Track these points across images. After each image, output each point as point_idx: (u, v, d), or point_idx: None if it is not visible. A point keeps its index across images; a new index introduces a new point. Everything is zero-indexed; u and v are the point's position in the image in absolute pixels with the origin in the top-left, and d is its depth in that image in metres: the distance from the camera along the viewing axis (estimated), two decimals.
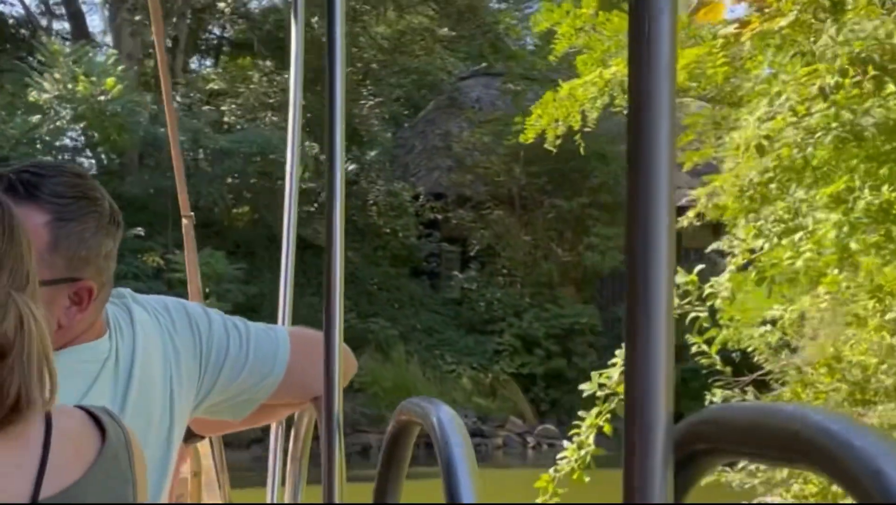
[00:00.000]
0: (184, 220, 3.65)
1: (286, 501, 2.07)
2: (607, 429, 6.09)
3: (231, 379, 1.74)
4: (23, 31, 22.62)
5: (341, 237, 1.39)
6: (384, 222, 20.25)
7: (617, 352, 6.54)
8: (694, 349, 9.80)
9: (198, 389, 1.72)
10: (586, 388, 6.17)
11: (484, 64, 24.85)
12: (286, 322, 2.34)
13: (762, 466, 9.69)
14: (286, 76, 19.67)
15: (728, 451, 0.73)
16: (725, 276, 7.18)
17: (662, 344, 0.60)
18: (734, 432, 0.69)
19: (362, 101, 20.89)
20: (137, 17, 18.81)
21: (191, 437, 1.90)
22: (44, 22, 23.35)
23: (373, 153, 20.84)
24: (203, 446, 2.75)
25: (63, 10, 23.46)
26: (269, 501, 2.33)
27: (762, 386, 8.93)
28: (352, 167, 20.78)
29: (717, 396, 10.26)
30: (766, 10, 6.24)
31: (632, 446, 0.62)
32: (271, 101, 19.02)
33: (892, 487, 0.55)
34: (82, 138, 19.19)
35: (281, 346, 1.78)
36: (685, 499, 0.73)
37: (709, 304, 8.99)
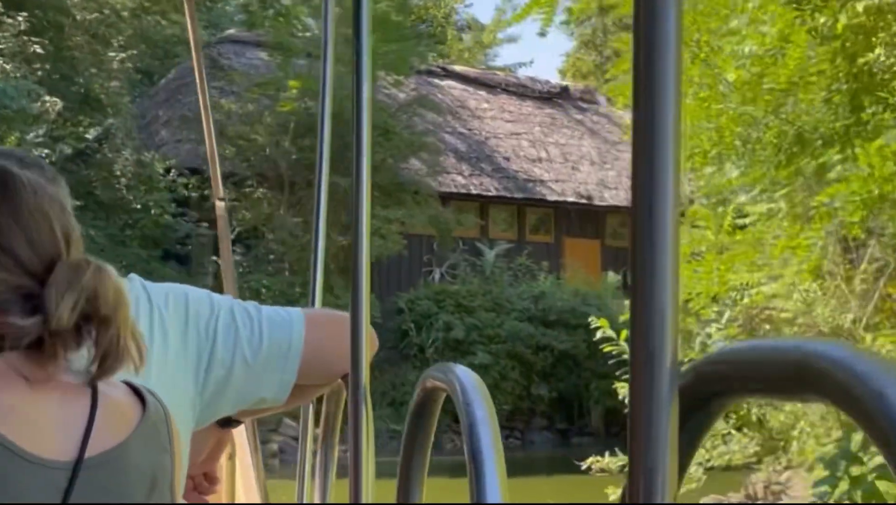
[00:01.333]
0: (217, 203, 3.61)
1: (317, 478, 2.15)
2: None
3: (248, 362, 1.76)
4: None
5: (367, 219, 1.51)
6: (133, 197, 18.02)
7: None
8: (599, 334, 8.57)
9: (196, 375, 1.72)
10: None
11: (231, 30, 23.09)
12: (317, 306, 2.39)
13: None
14: (19, 18, 17.32)
15: (737, 390, 0.73)
16: None
17: (668, 287, 0.61)
18: (741, 371, 0.70)
19: (113, 56, 18.58)
20: None
21: (229, 422, 1.94)
22: None
23: (115, 120, 18.55)
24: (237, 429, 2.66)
25: None
26: (299, 481, 2.37)
27: None
28: (91, 133, 18.41)
29: (625, 390, 9.06)
30: None
31: (635, 396, 0.62)
32: (1, 46, 16.44)
33: (893, 407, 0.57)
34: None
35: (295, 324, 1.81)
36: (699, 442, 0.74)
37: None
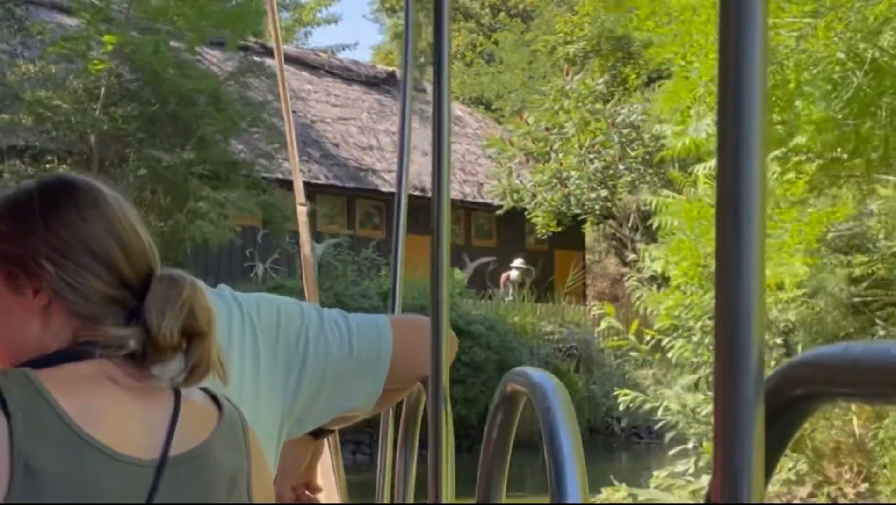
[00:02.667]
0: (299, 209, 3.64)
1: (397, 480, 2.20)
2: None
3: (339, 372, 1.80)
4: None
5: (447, 222, 1.52)
6: None
7: None
8: (603, 324, 6.86)
9: (286, 388, 1.76)
10: None
11: None
12: (396, 312, 2.39)
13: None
14: None
15: (827, 393, 0.74)
16: None
17: (754, 286, 0.62)
18: (829, 374, 0.71)
19: None
20: None
21: (319, 433, 1.99)
22: None
23: None
24: None
25: None
26: (379, 483, 2.41)
27: None
28: None
29: (626, 397, 7.46)
30: None
31: (721, 395, 0.63)
32: None
33: None
34: None
35: (383, 332, 1.85)
36: (786, 445, 0.75)
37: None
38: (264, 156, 17.80)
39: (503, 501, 1.55)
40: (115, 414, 1.25)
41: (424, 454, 1.55)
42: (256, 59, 24.25)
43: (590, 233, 28.64)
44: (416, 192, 25.08)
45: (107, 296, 1.30)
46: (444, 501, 1.47)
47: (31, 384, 1.22)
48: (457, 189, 25.73)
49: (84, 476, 1.19)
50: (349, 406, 1.84)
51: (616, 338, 6.55)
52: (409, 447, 2.16)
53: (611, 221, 26.46)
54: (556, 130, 24.75)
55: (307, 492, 2.06)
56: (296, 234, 22.85)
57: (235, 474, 1.32)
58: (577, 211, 24.24)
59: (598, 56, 28.32)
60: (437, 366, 1.46)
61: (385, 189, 24.08)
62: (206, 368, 1.31)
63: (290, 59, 26.73)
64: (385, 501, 2.39)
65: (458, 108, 29.86)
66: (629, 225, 26.39)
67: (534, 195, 24.47)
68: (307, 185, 22.43)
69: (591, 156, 24.21)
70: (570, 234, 25.41)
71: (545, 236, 24.91)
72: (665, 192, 8.37)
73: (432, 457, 1.47)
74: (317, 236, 22.24)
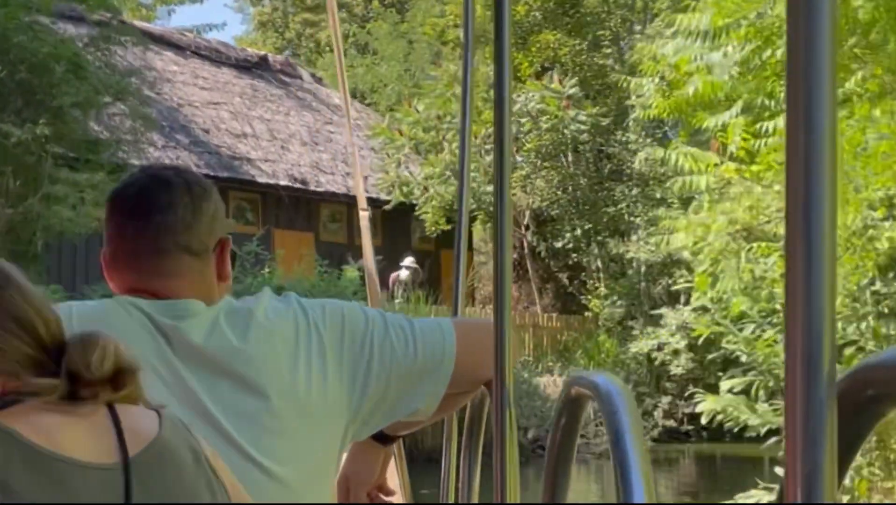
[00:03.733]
0: (361, 213, 3.72)
1: (461, 483, 2.27)
2: None
3: (403, 375, 1.86)
4: None
5: (509, 226, 1.50)
6: None
7: None
8: (695, 301, 5.16)
9: (352, 391, 1.82)
10: None
11: None
12: (459, 314, 2.48)
13: None
14: None
15: None
16: None
17: (825, 286, 0.61)
18: None
19: None
20: None
21: (387, 440, 2.09)
22: None
23: None
24: None
25: None
26: (443, 486, 2.47)
27: None
28: None
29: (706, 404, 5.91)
30: None
31: (793, 396, 0.62)
32: None
33: None
34: None
35: (447, 336, 1.91)
36: (859, 447, 0.74)
37: None
38: (130, 133, 15.80)
39: (568, 503, 1.56)
40: (68, 430, 1.31)
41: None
42: (115, 35, 22.14)
43: (478, 233, 27.27)
44: (297, 185, 23.35)
45: (30, 357, 1.35)
46: (509, 502, 1.49)
47: None
48: (339, 182, 24.03)
49: (59, 487, 1.25)
50: (413, 409, 1.89)
51: (707, 322, 5.04)
52: (473, 449, 2.23)
53: None
54: (448, 119, 23.27)
55: (381, 495, 2.12)
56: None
57: (194, 448, 1.38)
58: (472, 206, 22.79)
59: (488, 42, 26.93)
60: (501, 368, 1.50)
61: (262, 180, 22.22)
62: (136, 398, 1.37)
63: (154, 38, 24.66)
64: (450, 502, 2.41)
65: (335, 97, 28.16)
66: (523, 223, 25.07)
67: (425, 189, 22.93)
68: None
69: (487, 146, 22.79)
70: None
71: (432, 235, 23.44)
72: (678, 145, 6.87)
73: (498, 459, 1.50)
74: None
